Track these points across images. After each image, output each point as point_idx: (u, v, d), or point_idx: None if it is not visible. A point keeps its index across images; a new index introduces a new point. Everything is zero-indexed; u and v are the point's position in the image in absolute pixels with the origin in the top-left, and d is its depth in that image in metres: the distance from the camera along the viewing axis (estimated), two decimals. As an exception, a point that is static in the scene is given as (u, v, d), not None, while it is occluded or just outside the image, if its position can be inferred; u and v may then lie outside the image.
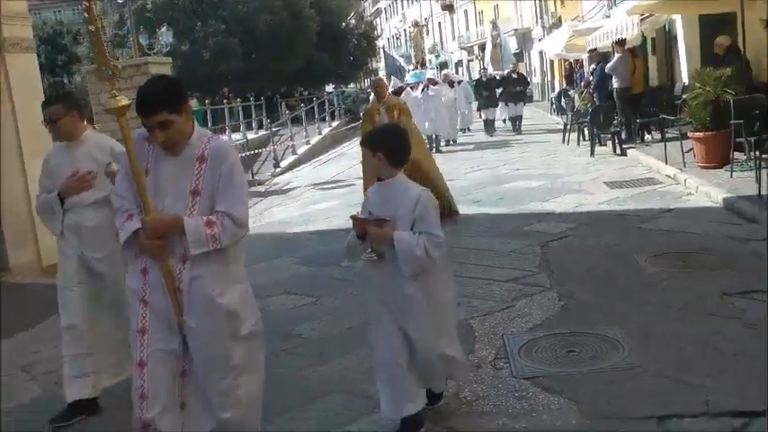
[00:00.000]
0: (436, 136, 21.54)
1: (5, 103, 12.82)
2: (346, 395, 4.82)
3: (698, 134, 11.32)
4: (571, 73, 28.97)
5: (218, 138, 3.70)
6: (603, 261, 7.28)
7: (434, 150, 20.66)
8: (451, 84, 23.43)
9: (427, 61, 33.93)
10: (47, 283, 11.32)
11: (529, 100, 33.00)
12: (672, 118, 12.89)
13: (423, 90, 21.64)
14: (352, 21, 63.62)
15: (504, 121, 25.92)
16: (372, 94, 11.92)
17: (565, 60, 31.48)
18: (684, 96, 11.93)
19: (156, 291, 3.59)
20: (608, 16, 22.75)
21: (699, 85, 11.31)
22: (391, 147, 4.06)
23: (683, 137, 12.17)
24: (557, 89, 32.23)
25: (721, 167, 10.88)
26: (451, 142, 22.48)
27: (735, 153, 10.73)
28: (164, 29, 34.04)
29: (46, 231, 13.31)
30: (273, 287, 8.06)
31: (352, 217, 4.07)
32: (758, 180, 8.97)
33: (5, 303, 9.34)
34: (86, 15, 3.85)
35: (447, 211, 10.24)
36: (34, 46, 14.51)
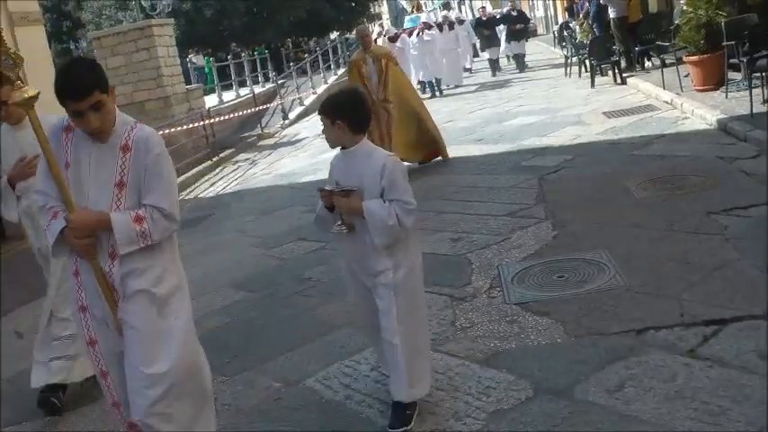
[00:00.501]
0: (437, 80, 21.49)
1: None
2: (351, 329, 5.17)
3: (693, 58, 11.47)
4: (572, 4, 28.79)
5: (143, 126, 3.40)
6: (596, 190, 7.56)
7: (436, 95, 20.90)
8: (451, 25, 23.04)
9: (423, 4, 32.98)
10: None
11: (532, 35, 32.74)
12: (666, 44, 13.00)
13: (417, 35, 21.73)
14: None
15: (508, 58, 25.88)
16: (358, 43, 11.43)
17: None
18: (677, 21, 12.02)
19: (92, 293, 3.38)
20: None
21: (691, 9, 11.44)
22: (352, 114, 3.73)
23: (680, 62, 12.29)
24: (560, 21, 32.03)
25: (717, 90, 11.04)
26: (454, 86, 22.28)
27: (730, 74, 10.90)
28: (164, -13, 33.88)
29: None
30: (287, 235, 8.53)
31: (319, 189, 3.83)
32: (751, 99, 9.18)
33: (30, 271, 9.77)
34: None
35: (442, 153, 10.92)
36: (41, 17, 14.80)
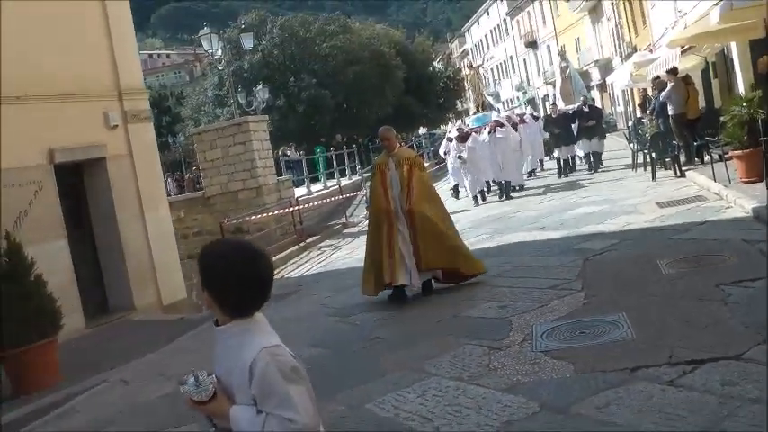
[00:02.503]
0: (506, 182, 20.27)
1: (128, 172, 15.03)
2: (405, 371, 6.34)
3: (736, 152, 12.47)
4: (644, 101, 29.83)
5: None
6: (630, 267, 8.61)
7: (504, 197, 19.86)
8: (515, 126, 22.08)
9: (495, 105, 33.37)
10: (165, 319, 13.44)
11: (612, 130, 32.67)
12: (713, 139, 14.02)
13: (489, 133, 20.54)
14: (440, 64, 65.72)
15: (581, 158, 24.45)
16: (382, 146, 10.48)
17: (640, 89, 32.36)
18: (722, 119, 13.07)
19: None
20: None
21: (734, 108, 12.50)
22: (224, 288, 2.61)
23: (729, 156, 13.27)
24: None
25: (761, 181, 11.98)
26: (518, 188, 20.83)
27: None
28: (260, 86, 36.39)
29: (165, 274, 15.42)
30: (361, 306, 9.96)
31: (179, 382, 2.64)
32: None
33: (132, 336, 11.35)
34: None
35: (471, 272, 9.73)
36: (151, 116, 16.70)
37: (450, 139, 23.10)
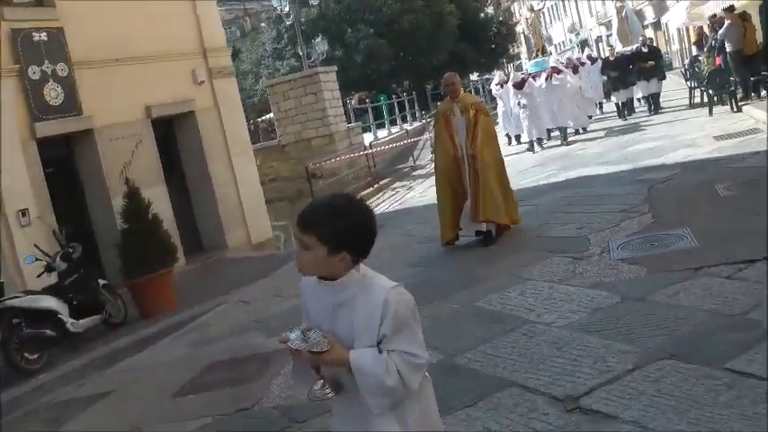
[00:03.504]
0: (563, 128, 20.09)
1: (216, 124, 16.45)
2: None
3: (794, 85, 13.36)
4: (700, 39, 30.15)
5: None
6: (691, 192, 9.71)
7: (562, 142, 19.70)
8: (575, 69, 21.80)
9: (548, 48, 32.37)
10: (256, 256, 14.91)
11: (668, 69, 32.77)
12: (768, 74, 14.90)
13: (546, 80, 20.15)
14: (490, 9, 65.99)
15: (640, 100, 23.93)
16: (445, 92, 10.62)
17: (696, 27, 32.61)
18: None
19: None
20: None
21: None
22: (364, 240, 2.64)
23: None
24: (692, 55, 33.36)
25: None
26: (581, 130, 20.93)
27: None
28: (318, 39, 37.37)
29: (252, 216, 16.97)
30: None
31: (282, 341, 2.64)
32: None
33: (218, 277, 12.94)
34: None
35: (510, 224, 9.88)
36: (233, 71, 18.02)
37: (499, 85, 22.85)
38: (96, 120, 13.71)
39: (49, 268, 10.50)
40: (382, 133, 29.00)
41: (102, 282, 11.16)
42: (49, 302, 9.90)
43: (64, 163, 13.99)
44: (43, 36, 13.04)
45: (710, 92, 17.75)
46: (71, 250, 10.75)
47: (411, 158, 24.25)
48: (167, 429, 6.19)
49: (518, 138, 22.35)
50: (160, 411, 6.64)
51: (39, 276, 10.69)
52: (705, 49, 22.23)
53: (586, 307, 6.17)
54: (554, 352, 5.33)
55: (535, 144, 20.03)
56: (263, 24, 55.44)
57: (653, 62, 22.36)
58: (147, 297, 11.35)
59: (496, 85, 23.31)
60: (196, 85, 16.18)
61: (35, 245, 10.84)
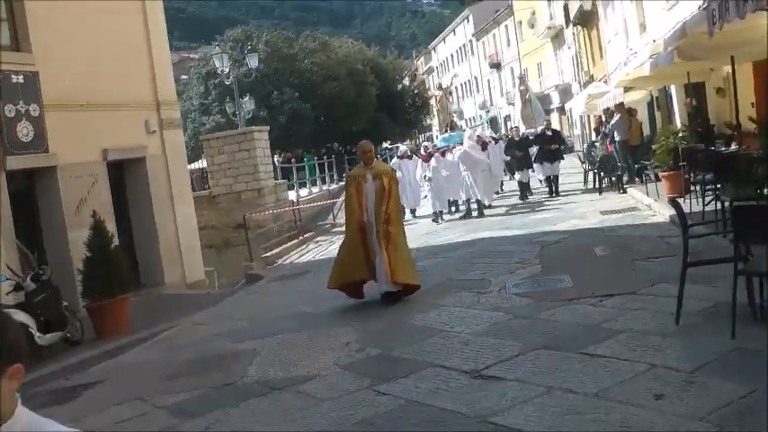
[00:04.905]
0: (477, 200, 20.11)
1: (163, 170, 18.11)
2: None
3: (663, 174, 15.90)
4: (599, 125, 32.98)
5: None
6: (574, 251, 11.97)
7: (477, 215, 19.82)
8: (484, 146, 22.14)
9: (458, 123, 33.37)
10: (194, 293, 16.50)
11: (569, 151, 35.33)
12: (647, 163, 17.50)
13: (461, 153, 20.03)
14: (406, 80, 69.25)
15: (541, 181, 23.91)
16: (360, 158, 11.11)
17: (596, 115, 35.73)
18: (653, 146, 16.52)
19: None
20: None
21: (663, 138, 15.96)
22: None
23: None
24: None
25: (683, 197, 15.33)
26: (487, 206, 20.57)
27: (693, 186, 15.23)
28: (246, 98, 39.27)
29: (189, 257, 18.63)
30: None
31: None
32: (690, 202, 13.55)
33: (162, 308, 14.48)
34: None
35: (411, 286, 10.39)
36: (180, 123, 19.78)
37: (400, 157, 23.39)
38: (60, 158, 15.17)
39: (17, 287, 11.83)
40: (304, 192, 30.96)
41: (64, 303, 12.53)
42: (21, 317, 11.30)
43: (24, 195, 15.34)
44: (20, 78, 14.55)
45: (601, 174, 20.37)
46: (41, 272, 12.14)
47: (331, 216, 26.18)
48: (165, 399, 7.78)
49: (413, 212, 22.97)
50: (156, 388, 8.27)
51: (8, 294, 12.00)
52: (599, 137, 25.03)
53: (486, 322, 8.22)
54: (462, 347, 7.36)
55: (438, 217, 20.56)
56: (184, 77, 56.61)
57: (557, 145, 23.33)
58: (105, 320, 12.53)
59: (399, 157, 23.82)
60: (148, 133, 17.85)
61: (7, 265, 12.19)
